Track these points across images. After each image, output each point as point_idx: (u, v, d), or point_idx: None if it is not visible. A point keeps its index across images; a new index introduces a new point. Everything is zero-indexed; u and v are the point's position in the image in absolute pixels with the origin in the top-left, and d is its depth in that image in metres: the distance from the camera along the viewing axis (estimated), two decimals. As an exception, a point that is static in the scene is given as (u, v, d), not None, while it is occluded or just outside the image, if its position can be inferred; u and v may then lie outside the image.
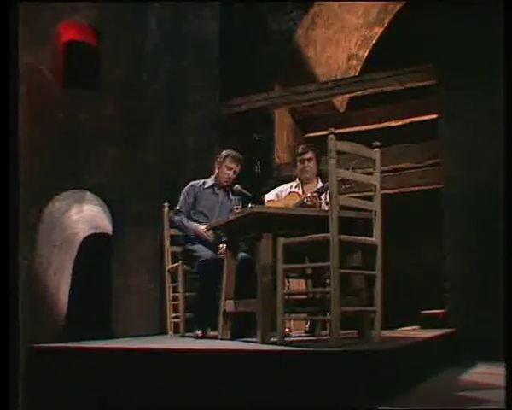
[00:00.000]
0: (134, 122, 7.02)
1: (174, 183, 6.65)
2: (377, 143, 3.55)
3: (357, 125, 7.05)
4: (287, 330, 4.43)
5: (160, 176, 6.81)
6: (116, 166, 6.97)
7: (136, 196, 6.88)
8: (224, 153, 4.82)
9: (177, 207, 4.84)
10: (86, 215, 7.59)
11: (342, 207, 3.52)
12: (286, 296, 3.58)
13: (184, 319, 4.91)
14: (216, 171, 4.85)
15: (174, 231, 5.19)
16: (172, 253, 5.25)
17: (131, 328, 6.56)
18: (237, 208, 4.09)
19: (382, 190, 6.59)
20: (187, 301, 4.90)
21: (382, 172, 6.07)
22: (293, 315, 4.06)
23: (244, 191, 4.42)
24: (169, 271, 5.21)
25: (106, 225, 7.38)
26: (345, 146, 3.35)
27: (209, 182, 4.87)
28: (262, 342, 3.53)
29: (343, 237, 3.26)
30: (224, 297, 4.13)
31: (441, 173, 5.54)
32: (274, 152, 6.58)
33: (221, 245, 4.54)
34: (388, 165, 6.00)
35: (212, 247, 4.54)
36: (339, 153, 3.31)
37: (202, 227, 4.55)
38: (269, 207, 3.85)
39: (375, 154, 3.53)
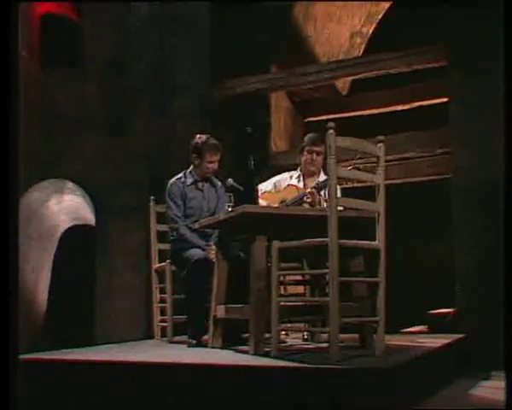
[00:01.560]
0: (118, 105, 6.96)
1: (162, 172, 6.60)
2: (381, 138, 3.51)
3: (361, 110, 7.02)
4: (283, 333, 4.41)
5: (146, 164, 6.77)
6: (99, 152, 6.92)
7: (121, 185, 6.84)
8: (200, 144, 4.60)
9: (173, 214, 4.62)
10: (67, 206, 7.56)
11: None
12: (282, 303, 3.56)
13: (172, 323, 4.91)
14: (194, 165, 4.68)
15: (161, 227, 5.16)
16: (160, 251, 5.23)
17: (116, 330, 6.54)
18: (229, 206, 4.04)
19: (387, 180, 6.60)
20: (175, 303, 4.89)
21: (388, 160, 6.09)
22: (289, 324, 4.03)
23: (237, 186, 4.36)
24: (156, 270, 5.19)
25: (89, 217, 7.35)
26: (345, 141, 3.31)
27: (189, 178, 4.71)
28: (254, 354, 3.52)
29: (343, 241, 3.23)
30: (215, 302, 4.11)
31: (452, 163, 5.50)
32: (270, 139, 6.55)
33: (211, 245, 4.50)
34: (394, 154, 5.97)
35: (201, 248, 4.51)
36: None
37: (210, 246, 4.46)
38: (263, 207, 3.81)
39: (379, 149, 3.49)
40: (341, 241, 3.22)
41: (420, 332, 6.66)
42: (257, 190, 4.31)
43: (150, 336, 5.45)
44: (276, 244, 3.45)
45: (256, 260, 3.62)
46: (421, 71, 6.16)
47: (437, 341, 4.27)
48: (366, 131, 7.00)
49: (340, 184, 3.88)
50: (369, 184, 3.65)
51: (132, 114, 6.89)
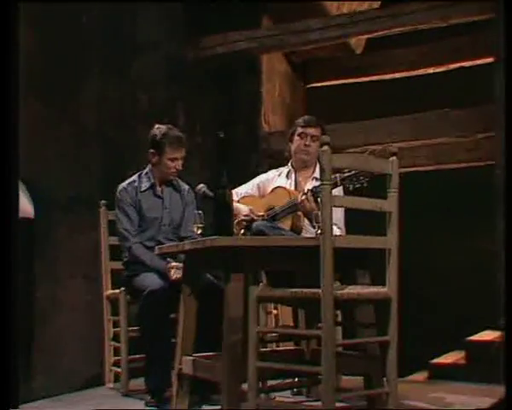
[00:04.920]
0: (63, 67, 6.85)
1: (119, 154, 6.58)
2: (394, 149, 3.44)
3: (380, 73, 7.05)
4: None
5: (100, 145, 6.70)
6: (38, 128, 6.83)
7: (68, 172, 6.77)
8: (158, 137, 4.66)
9: (124, 229, 4.75)
10: None
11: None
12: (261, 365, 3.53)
13: (127, 368, 4.89)
14: (152, 163, 4.72)
15: (115, 240, 5.12)
16: (113, 271, 5.20)
17: (61, 360, 6.52)
18: (198, 228, 4.00)
19: (415, 166, 6.56)
20: (130, 342, 4.89)
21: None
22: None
23: (210, 194, 4.31)
24: (108, 298, 5.17)
25: (28, 209, 7.28)
26: (345, 160, 3.25)
27: (145, 182, 4.76)
28: (228, 429, 3.51)
29: (341, 293, 3.18)
30: (180, 352, 4.08)
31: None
32: (260, 115, 6.50)
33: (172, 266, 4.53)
34: (423, 138, 5.96)
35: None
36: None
37: (171, 264, 4.55)
38: (239, 240, 3.76)
39: (391, 165, 3.41)
40: (339, 292, 3.16)
41: (455, 365, 6.65)
42: (231, 194, 4.26)
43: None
44: (253, 292, 3.40)
45: (230, 306, 3.56)
46: (460, 25, 6.08)
47: (472, 399, 4.24)
48: (386, 101, 6.98)
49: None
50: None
51: (82, 79, 6.79)
